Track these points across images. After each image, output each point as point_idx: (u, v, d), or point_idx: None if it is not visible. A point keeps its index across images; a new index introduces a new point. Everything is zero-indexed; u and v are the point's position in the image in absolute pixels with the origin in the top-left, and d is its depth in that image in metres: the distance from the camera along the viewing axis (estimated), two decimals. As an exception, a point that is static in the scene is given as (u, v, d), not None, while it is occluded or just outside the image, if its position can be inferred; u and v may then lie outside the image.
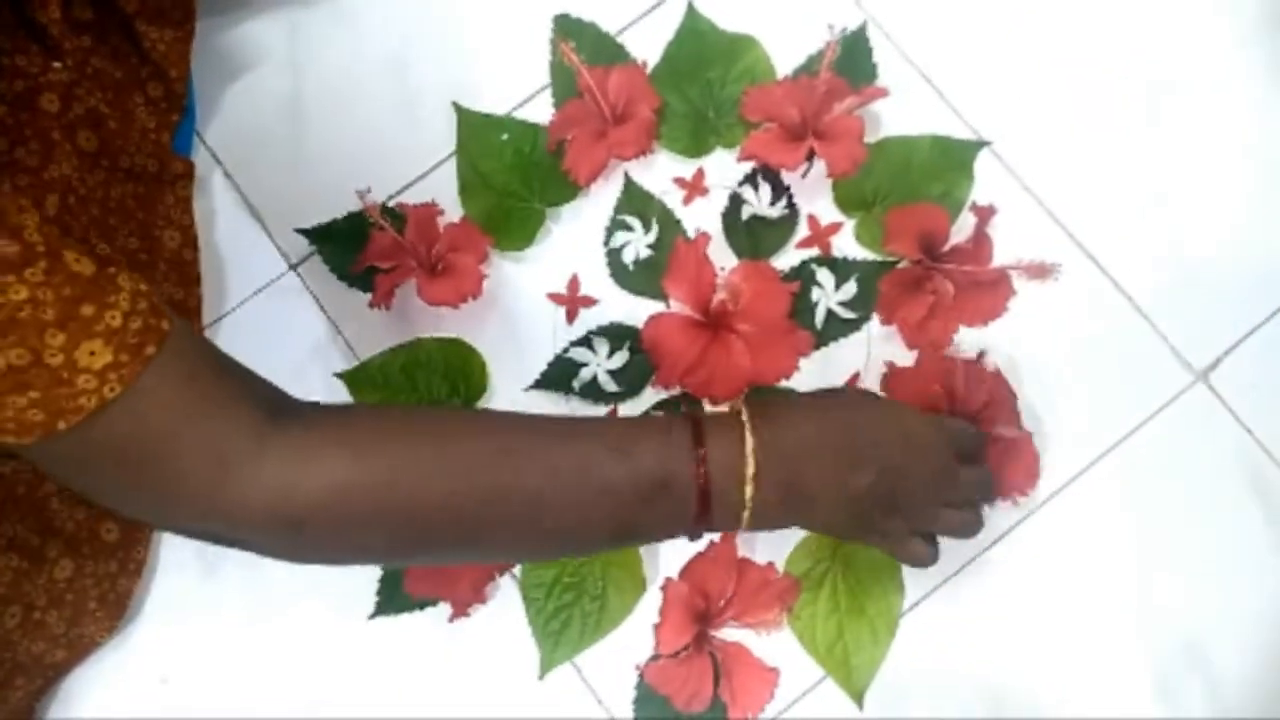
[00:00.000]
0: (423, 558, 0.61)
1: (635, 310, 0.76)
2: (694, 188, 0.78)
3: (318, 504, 0.51)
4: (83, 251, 0.47)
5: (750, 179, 0.78)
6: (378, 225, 0.75)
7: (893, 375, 0.74)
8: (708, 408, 0.75)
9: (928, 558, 0.63)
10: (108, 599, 0.72)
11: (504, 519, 0.55)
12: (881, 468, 0.59)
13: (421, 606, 0.72)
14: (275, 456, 0.50)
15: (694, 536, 0.60)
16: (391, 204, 0.79)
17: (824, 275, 0.76)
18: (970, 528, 0.64)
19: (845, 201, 0.77)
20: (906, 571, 0.72)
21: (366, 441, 0.53)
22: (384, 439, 0.53)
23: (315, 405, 0.55)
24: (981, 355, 0.73)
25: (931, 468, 0.61)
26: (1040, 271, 0.74)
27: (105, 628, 0.72)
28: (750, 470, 0.57)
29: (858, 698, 0.71)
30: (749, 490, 0.57)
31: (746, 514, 0.58)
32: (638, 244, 0.77)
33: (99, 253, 0.48)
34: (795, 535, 0.72)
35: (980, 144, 0.78)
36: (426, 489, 0.53)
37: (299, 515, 0.51)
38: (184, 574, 0.75)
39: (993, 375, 0.73)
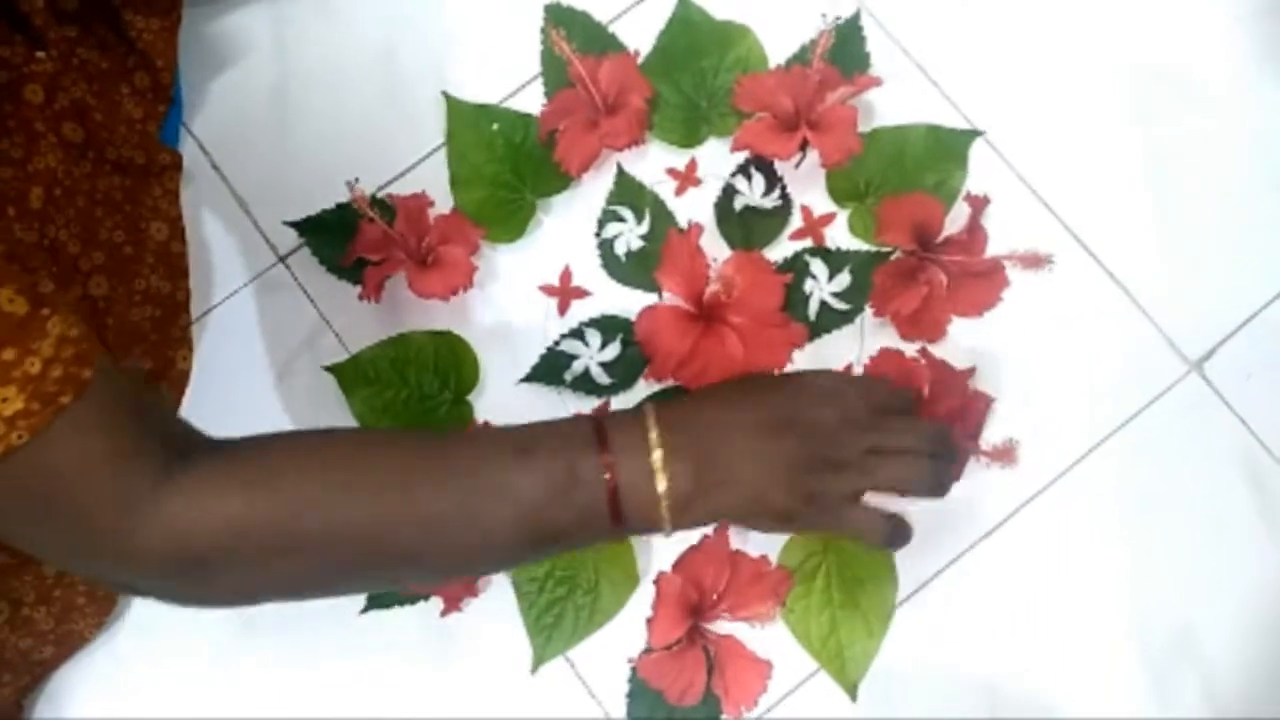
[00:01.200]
0: (341, 587, 0.59)
1: (628, 302, 0.76)
2: (686, 178, 0.78)
3: (216, 542, 0.50)
4: (20, 289, 0.46)
5: (743, 169, 0.77)
6: (367, 217, 0.74)
7: (881, 357, 0.74)
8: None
9: (881, 527, 0.59)
10: (96, 595, 0.71)
11: (411, 538, 0.54)
12: (794, 426, 0.58)
13: (413, 601, 0.72)
14: (174, 497, 0.50)
15: (617, 536, 0.59)
16: (381, 195, 0.78)
17: (817, 266, 0.76)
18: (921, 476, 0.59)
19: (838, 192, 0.77)
20: (900, 564, 0.72)
21: (263, 476, 0.52)
22: (281, 472, 0.53)
23: (223, 442, 0.55)
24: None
25: (845, 413, 0.59)
26: (1034, 262, 0.74)
27: (94, 624, 0.72)
28: (657, 455, 0.56)
29: (851, 690, 0.70)
30: (660, 480, 0.56)
31: (664, 506, 0.57)
32: (630, 235, 0.76)
33: (40, 291, 0.47)
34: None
35: (974, 134, 0.77)
36: (325, 518, 0.53)
37: (199, 554, 0.50)
38: (173, 569, 0.74)
39: (973, 391, 0.73)
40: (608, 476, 0.56)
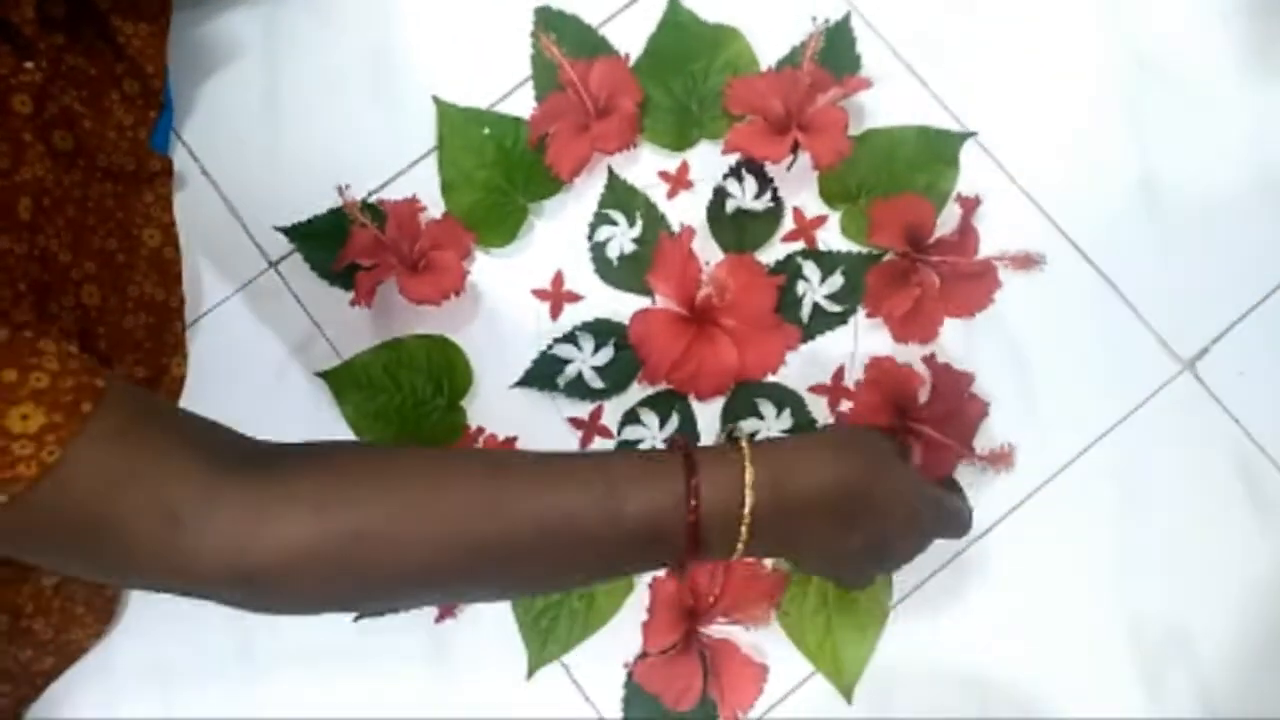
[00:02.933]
0: (395, 606, 0.57)
1: (620, 306, 0.76)
2: (678, 181, 0.78)
3: (276, 560, 0.47)
4: None
5: (735, 172, 0.77)
6: (358, 222, 0.74)
7: (871, 365, 0.73)
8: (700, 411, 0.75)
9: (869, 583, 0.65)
10: (95, 604, 0.72)
11: (481, 571, 0.52)
12: (874, 536, 0.58)
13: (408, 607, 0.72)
14: (229, 510, 0.47)
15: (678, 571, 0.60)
16: (372, 200, 0.78)
17: (810, 268, 0.76)
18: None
19: (830, 194, 0.77)
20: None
21: (331, 492, 0.49)
22: (350, 489, 0.50)
23: (279, 448, 0.52)
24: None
25: (920, 544, 0.62)
26: (1026, 262, 0.74)
27: (93, 634, 0.72)
28: (744, 528, 0.53)
29: (847, 693, 0.71)
30: (739, 546, 0.54)
31: (735, 556, 0.55)
32: (622, 239, 0.76)
33: (15, 318, 0.46)
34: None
35: (965, 135, 0.77)
36: (395, 544, 0.49)
37: (255, 571, 0.47)
38: (169, 577, 0.74)
39: (969, 395, 0.73)
40: (692, 532, 0.53)
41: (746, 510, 0.53)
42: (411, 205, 0.77)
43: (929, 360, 0.73)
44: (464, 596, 0.56)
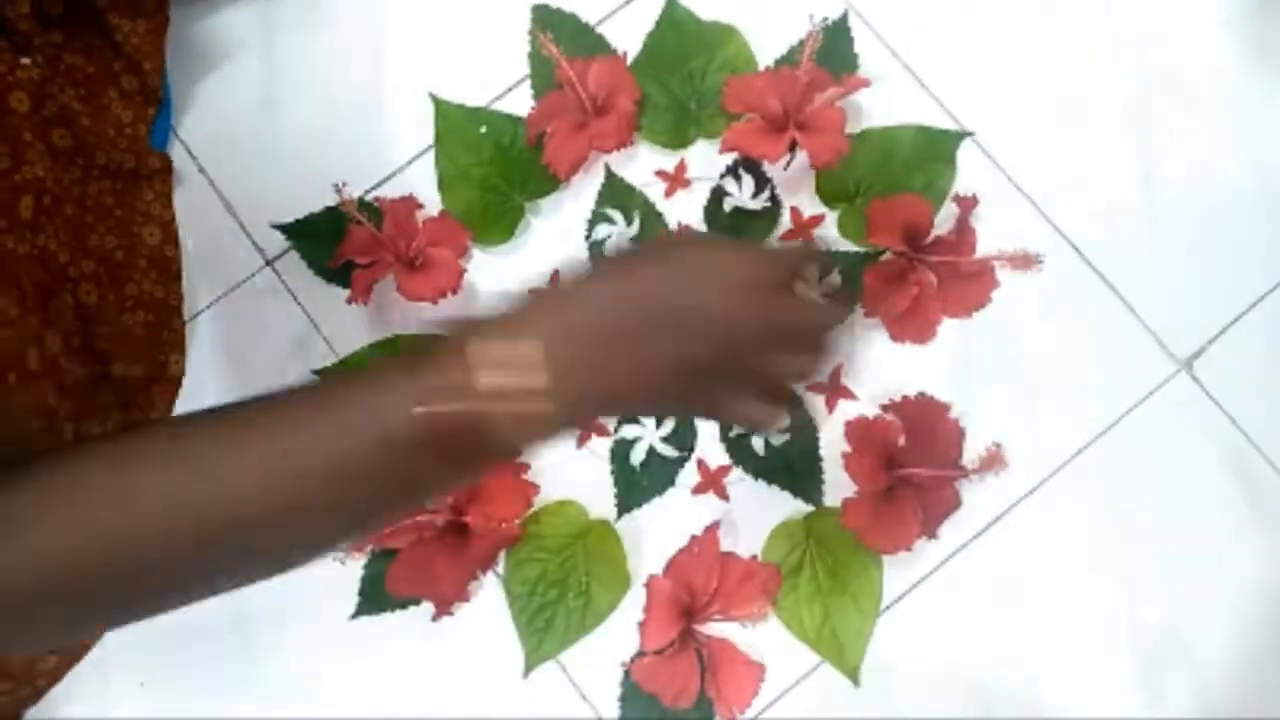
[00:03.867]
0: (139, 615, 0.49)
1: (617, 304, 0.75)
2: (676, 180, 0.78)
3: (13, 585, 0.43)
4: None
5: (732, 171, 0.77)
6: (355, 220, 0.74)
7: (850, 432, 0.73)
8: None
9: (767, 419, 0.50)
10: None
11: (215, 558, 0.46)
12: (697, 331, 0.46)
13: (404, 605, 0.72)
14: None
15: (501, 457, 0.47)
16: (369, 198, 0.78)
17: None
18: (812, 370, 0.51)
19: (828, 193, 0.77)
20: (894, 563, 0.72)
21: (63, 506, 0.44)
22: (26, 515, 0.44)
23: (27, 464, 0.46)
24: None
25: (759, 315, 0.47)
26: (1024, 262, 0.74)
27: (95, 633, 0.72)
28: (531, 354, 0.45)
29: (853, 675, 0.71)
30: (542, 388, 0.45)
31: (553, 405, 0.45)
32: (619, 237, 0.76)
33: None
34: (767, 525, 0.73)
35: (963, 134, 0.77)
36: (93, 559, 0.44)
37: None
38: (166, 574, 0.74)
39: (948, 420, 0.73)
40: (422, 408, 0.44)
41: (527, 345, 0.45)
42: (409, 203, 0.77)
43: (891, 406, 0.73)
44: (213, 587, 0.49)
